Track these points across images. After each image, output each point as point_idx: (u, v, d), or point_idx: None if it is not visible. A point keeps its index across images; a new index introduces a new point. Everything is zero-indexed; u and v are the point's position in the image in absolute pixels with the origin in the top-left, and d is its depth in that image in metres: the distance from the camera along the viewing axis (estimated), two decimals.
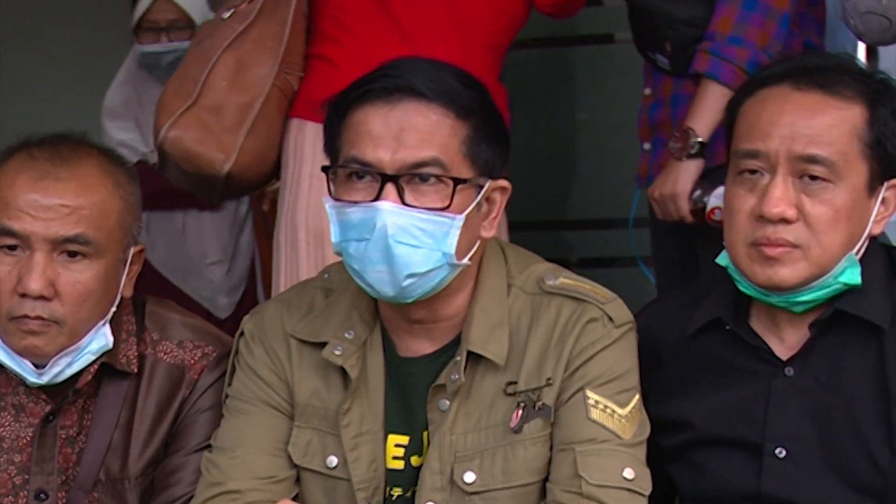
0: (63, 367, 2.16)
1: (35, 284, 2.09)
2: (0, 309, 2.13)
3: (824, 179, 2.01)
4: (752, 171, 2.06)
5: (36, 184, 2.12)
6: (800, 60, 2.11)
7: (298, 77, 2.83)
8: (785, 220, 2.02)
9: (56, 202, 2.12)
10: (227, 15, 2.79)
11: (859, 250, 2.06)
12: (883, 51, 3.19)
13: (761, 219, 2.03)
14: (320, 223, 2.71)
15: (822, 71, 2.05)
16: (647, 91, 3.01)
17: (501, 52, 2.88)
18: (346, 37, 2.79)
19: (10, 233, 2.11)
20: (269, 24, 2.81)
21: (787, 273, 2.03)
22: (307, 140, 2.79)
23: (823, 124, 2.02)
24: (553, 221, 3.72)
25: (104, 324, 2.19)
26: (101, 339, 2.18)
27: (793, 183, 2.03)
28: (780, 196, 2.02)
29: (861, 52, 3.16)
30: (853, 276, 2.05)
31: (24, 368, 2.15)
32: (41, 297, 2.10)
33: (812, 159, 2.01)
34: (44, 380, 2.16)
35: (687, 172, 2.64)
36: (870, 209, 2.05)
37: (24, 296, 2.10)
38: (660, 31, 2.87)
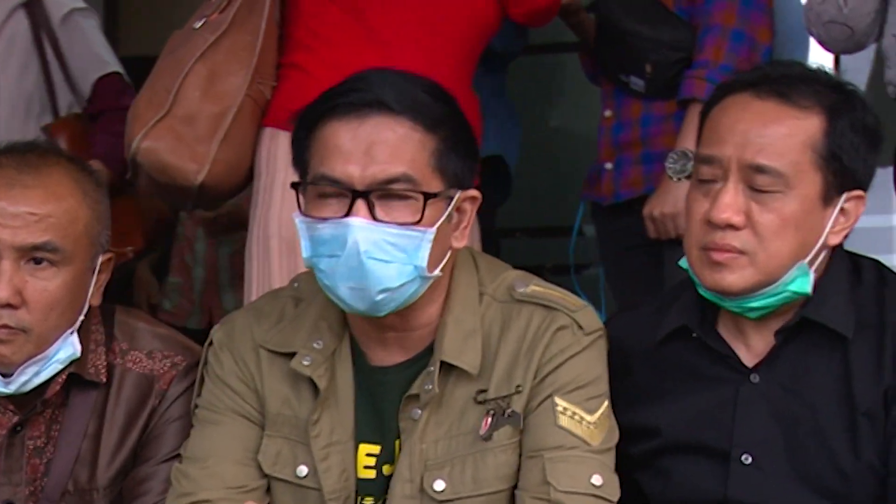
0: (30, 377, 2.15)
1: (2, 293, 2.09)
2: None
3: (773, 189, 2.02)
4: (707, 179, 2.07)
5: (3, 192, 2.12)
6: (766, 69, 2.12)
7: (271, 86, 2.83)
8: (732, 227, 2.03)
9: (23, 210, 2.11)
10: (198, 24, 2.79)
11: (813, 260, 2.07)
12: (846, 59, 3.23)
13: (711, 223, 2.04)
14: (293, 233, 2.66)
15: (784, 80, 2.06)
16: (608, 113, 3.13)
17: (473, 59, 2.89)
18: (320, 44, 2.80)
19: None
20: (242, 33, 2.81)
21: (733, 279, 2.04)
22: (280, 149, 2.79)
23: (777, 134, 2.02)
24: (529, 228, 3.76)
25: (72, 332, 2.18)
26: (68, 347, 2.17)
27: (743, 190, 2.03)
28: (729, 202, 2.03)
29: (829, 62, 3.21)
30: (803, 284, 2.06)
31: None
32: (8, 306, 2.10)
33: (760, 169, 2.02)
34: (11, 389, 2.15)
35: (685, 192, 2.68)
36: (824, 219, 2.05)
37: None
38: (640, 53, 2.94)
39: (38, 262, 2.13)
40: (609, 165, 3.10)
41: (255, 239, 2.81)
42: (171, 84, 2.79)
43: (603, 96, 3.14)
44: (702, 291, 2.11)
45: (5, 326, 2.11)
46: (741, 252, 2.03)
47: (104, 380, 2.21)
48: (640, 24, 2.98)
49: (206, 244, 4.18)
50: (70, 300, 2.16)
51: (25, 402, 2.18)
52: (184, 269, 4.21)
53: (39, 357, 2.15)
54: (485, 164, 3.41)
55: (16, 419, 2.18)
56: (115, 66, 3.36)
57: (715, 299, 2.10)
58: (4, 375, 2.15)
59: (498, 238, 3.69)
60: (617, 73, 3.05)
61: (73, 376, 2.19)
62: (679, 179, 2.73)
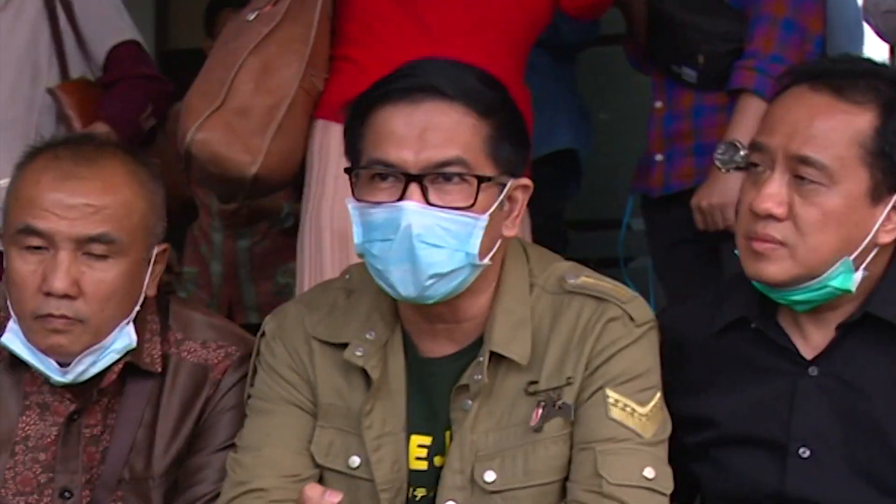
0: (87, 366, 2.18)
1: (60, 283, 2.11)
2: (24, 307, 2.15)
3: (816, 182, 2.00)
4: (756, 165, 2.06)
5: (60, 183, 2.14)
6: (830, 63, 2.10)
7: (324, 79, 2.84)
8: (774, 217, 2.02)
9: (80, 201, 2.14)
10: (251, 17, 2.80)
11: (861, 256, 2.04)
12: None
13: (754, 213, 2.03)
14: (345, 224, 2.69)
15: (841, 74, 2.03)
16: (659, 104, 3.11)
17: (525, 52, 2.89)
18: (372, 39, 2.80)
19: (36, 232, 2.13)
20: (295, 26, 2.82)
21: (772, 269, 2.03)
22: (332, 141, 2.80)
23: (825, 127, 2.00)
24: (575, 222, 3.76)
25: (128, 323, 2.20)
26: (125, 338, 2.20)
27: (788, 181, 2.02)
28: (771, 192, 2.02)
29: (885, 52, 3.17)
30: (846, 281, 2.04)
31: (48, 367, 2.17)
32: (66, 296, 2.12)
33: (804, 160, 2.00)
34: (68, 378, 2.18)
35: (735, 183, 2.67)
36: (873, 217, 2.03)
37: (48, 294, 2.12)
38: (693, 44, 2.93)
39: (95, 253, 2.15)
40: (660, 157, 3.08)
41: (308, 230, 2.82)
42: (224, 76, 2.80)
43: (653, 87, 3.13)
44: (753, 282, 2.10)
45: (63, 317, 2.13)
46: (781, 243, 2.02)
47: (159, 369, 2.23)
48: (695, 14, 2.96)
49: (223, 236, 4.07)
50: (126, 291, 2.18)
51: (82, 391, 2.21)
52: (199, 260, 4.12)
53: (96, 347, 2.17)
54: (558, 157, 3.43)
55: (73, 407, 2.21)
56: (131, 33, 3.26)
57: (762, 290, 2.09)
58: (62, 365, 2.18)
59: (565, 230, 3.67)
60: (669, 63, 3.03)
61: (130, 366, 2.22)
62: (728, 170, 2.71)
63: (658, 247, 3.21)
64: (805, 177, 2.01)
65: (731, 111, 2.89)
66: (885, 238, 2.05)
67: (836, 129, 2.01)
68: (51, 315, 2.13)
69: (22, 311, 2.15)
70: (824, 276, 2.04)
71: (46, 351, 2.16)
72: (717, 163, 2.75)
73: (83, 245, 2.14)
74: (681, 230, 3.01)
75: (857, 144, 2.00)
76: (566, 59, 3.55)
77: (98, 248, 2.14)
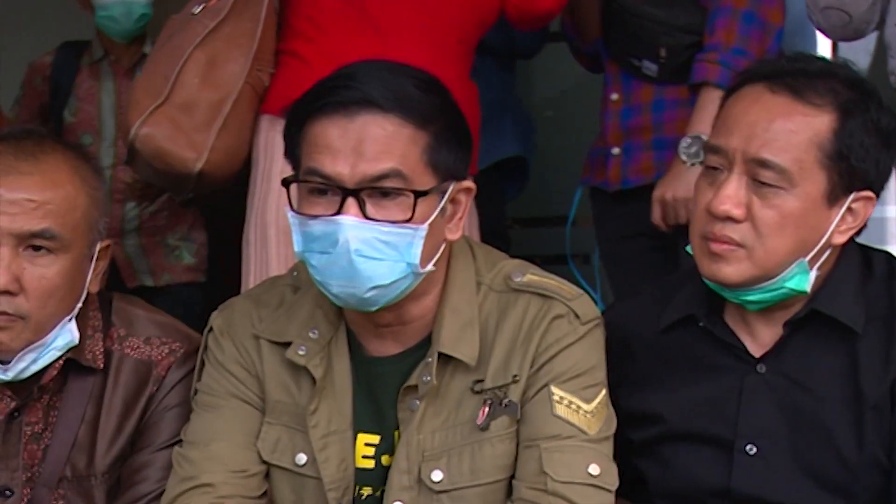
0: (28, 363, 2.15)
1: (0, 280, 2.09)
2: None
3: (775, 185, 2.01)
4: (714, 167, 2.06)
5: (1, 178, 2.11)
6: (784, 62, 2.09)
7: (270, 73, 2.82)
8: (732, 219, 2.02)
9: (21, 196, 2.11)
10: (197, 10, 2.78)
11: (816, 257, 2.06)
12: (843, 47, 3.21)
13: (713, 214, 2.04)
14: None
15: (800, 74, 2.04)
16: (615, 97, 3.07)
17: (472, 48, 2.88)
18: (318, 34, 2.79)
19: None
20: (241, 20, 2.80)
21: (729, 271, 2.04)
22: (278, 137, 2.75)
23: (783, 129, 2.01)
24: (520, 219, 3.76)
25: (70, 319, 2.18)
26: (66, 334, 2.17)
27: (746, 183, 2.03)
28: (730, 194, 2.02)
29: (827, 49, 3.18)
30: (802, 282, 2.05)
31: None
32: (6, 292, 2.10)
33: (763, 163, 2.01)
34: (9, 376, 2.15)
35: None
36: (829, 219, 2.04)
37: None
38: (653, 37, 2.91)
39: (36, 249, 2.12)
40: (616, 150, 3.05)
41: (253, 226, 2.81)
42: (169, 71, 2.77)
43: (607, 79, 3.09)
44: (705, 280, 2.11)
45: (3, 313, 2.10)
46: (739, 245, 2.03)
47: (101, 366, 2.21)
48: (654, 6, 2.93)
49: (111, 200, 3.87)
50: (68, 287, 2.16)
51: (23, 388, 2.18)
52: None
53: (38, 344, 2.15)
54: (502, 162, 3.44)
55: (13, 405, 2.18)
56: None
57: (716, 289, 2.10)
58: (2, 362, 2.15)
59: (507, 229, 3.68)
60: (627, 57, 3.00)
61: (71, 362, 2.19)
62: (693, 164, 2.70)
63: (607, 240, 3.19)
64: (764, 179, 2.01)
65: (692, 105, 2.85)
66: (839, 239, 2.07)
67: (794, 131, 2.01)
68: None
69: None
70: (779, 277, 2.05)
71: None
72: (683, 156, 2.75)
73: (24, 240, 2.11)
74: (635, 224, 2.99)
75: (816, 147, 2.01)
76: (509, 65, 3.55)
77: (39, 244, 2.12)
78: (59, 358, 2.18)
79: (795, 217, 2.01)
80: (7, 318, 2.11)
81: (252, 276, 2.78)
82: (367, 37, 2.75)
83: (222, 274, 3.44)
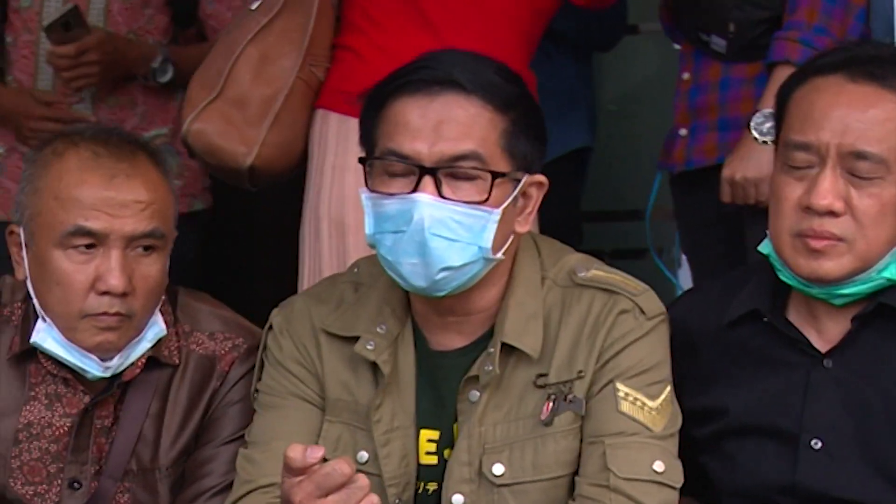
0: (124, 359, 2.19)
1: (118, 282, 2.12)
2: (70, 307, 2.14)
3: (873, 175, 2.00)
4: (802, 164, 2.05)
5: (108, 182, 2.15)
6: (854, 50, 2.08)
7: (325, 68, 2.82)
8: (832, 213, 2.01)
9: (130, 198, 2.15)
10: (255, 6, 2.79)
11: None
12: None
13: (808, 210, 2.02)
14: (341, 214, 2.71)
15: (876, 62, 2.03)
16: (686, 76, 2.97)
17: (531, 39, 2.85)
18: (373, 28, 2.78)
19: (88, 233, 2.13)
20: (294, 15, 2.80)
21: (831, 266, 2.03)
22: (330, 131, 2.79)
23: (876, 119, 2.00)
24: (587, 213, 3.72)
25: (156, 312, 2.22)
26: (156, 326, 2.21)
27: (841, 175, 2.02)
28: (829, 188, 2.01)
29: None
30: None
31: (88, 364, 2.17)
32: (122, 294, 2.13)
33: (861, 155, 2.00)
34: (108, 373, 2.18)
35: (769, 156, 2.58)
36: None
37: (104, 293, 2.12)
38: (723, 11, 2.83)
39: (145, 249, 2.16)
40: (684, 131, 2.96)
41: (308, 220, 2.81)
42: (223, 66, 2.78)
43: (681, 58, 3.00)
44: (784, 277, 2.09)
45: (117, 314, 2.14)
46: (840, 239, 2.02)
47: (177, 362, 2.23)
48: None
49: None
50: (163, 283, 2.21)
51: (96, 382, 2.20)
52: None
53: (136, 340, 2.18)
54: (573, 153, 3.42)
55: (87, 399, 2.20)
56: None
57: (799, 286, 2.08)
58: (101, 359, 2.17)
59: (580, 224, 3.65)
60: (697, 32, 2.91)
61: (150, 360, 2.22)
62: (765, 142, 2.63)
63: (687, 227, 3.09)
64: (861, 172, 2.00)
65: (762, 84, 2.74)
66: None
67: (887, 119, 2.01)
68: (105, 314, 2.13)
69: (66, 311, 2.14)
70: (874, 267, 2.04)
71: (93, 349, 2.15)
72: (755, 133, 2.64)
73: (133, 242, 2.15)
74: (704, 212, 2.92)
75: None
76: (586, 56, 3.53)
77: (148, 244, 2.16)
78: (142, 357, 2.20)
79: (894, 205, 2.01)
80: (119, 318, 2.15)
81: (307, 272, 2.78)
82: (422, 31, 2.74)
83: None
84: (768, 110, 2.62)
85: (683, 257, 3.23)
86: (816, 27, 2.69)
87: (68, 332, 2.15)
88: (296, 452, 1.81)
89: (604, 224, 4.01)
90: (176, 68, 3.06)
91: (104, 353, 2.15)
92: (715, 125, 2.91)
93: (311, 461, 1.80)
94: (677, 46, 3.07)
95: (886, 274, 2.04)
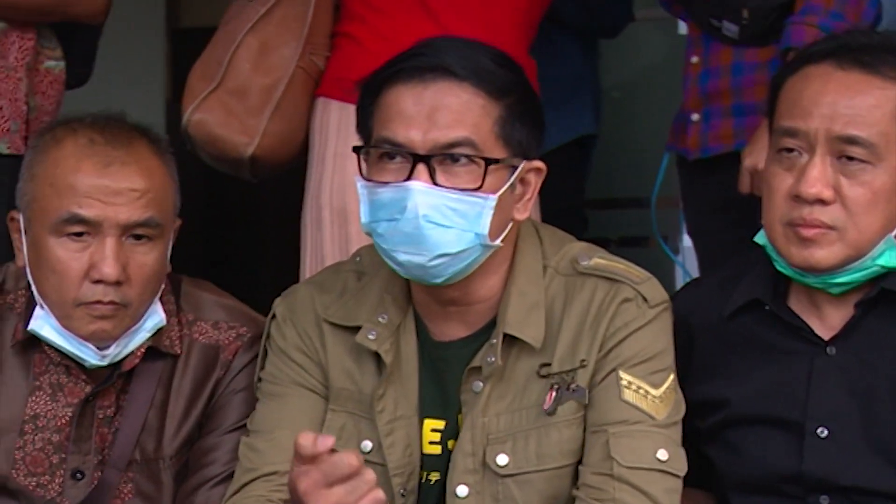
0: (122, 348, 2.18)
1: (112, 270, 2.11)
2: (65, 295, 2.13)
3: (863, 161, 2.00)
4: (791, 150, 2.05)
5: (103, 169, 2.13)
6: (844, 39, 2.09)
7: (325, 57, 2.82)
8: (821, 201, 2.01)
9: (125, 186, 2.13)
10: None
11: None
12: None
13: (798, 199, 2.02)
14: (343, 201, 2.71)
15: (865, 50, 2.03)
16: (695, 59, 2.93)
17: (531, 25, 2.85)
18: (373, 15, 2.78)
19: (82, 220, 2.12)
20: (293, 4, 2.81)
21: (822, 254, 2.03)
22: (332, 119, 2.79)
23: (865, 104, 2.01)
24: (592, 201, 3.71)
25: (155, 301, 2.21)
26: (155, 316, 2.20)
27: (831, 163, 2.01)
28: (818, 176, 2.01)
29: None
30: (892, 258, 2.04)
31: (85, 352, 2.16)
32: (116, 283, 2.12)
33: (851, 140, 2.00)
34: (105, 362, 2.17)
35: None
36: None
37: (97, 282, 2.12)
38: None
39: (138, 238, 2.15)
40: (696, 116, 2.93)
41: (309, 209, 2.81)
42: (222, 56, 2.79)
43: (688, 41, 2.98)
44: (780, 267, 2.09)
45: (111, 303, 2.13)
46: (831, 227, 2.02)
47: (179, 352, 2.23)
48: None
49: None
50: (162, 272, 2.20)
51: (99, 372, 2.20)
52: None
53: (133, 329, 2.17)
54: (579, 140, 3.41)
55: (88, 389, 2.19)
56: None
57: (795, 275, 2.08)
58: (98, 348, 2.17)
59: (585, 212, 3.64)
60: (708, 17, 2.87)
61: (150, 349, 2.21)
62: None
63: (695, 213, 3.05)
64: (852, 156, 2.00)
65: (773, 68, 2.64)
66: None
67: (875, 105, 2.01)
68: (99, 302, 2.12)
69: (61, 299, 2.14)
70: (868, 255, 2.04)
71: (88, 337, 2.15)
72: None
73: (128, 230, 2.14)
74: (713, 197, 2.89)
75: None
76: (592, 43, 3.52)
77: (142, 232, 2.15)
78: (141, 346, 2.20)
79: (885, 192, 2.01)
80: (114, 307, 2.13)
81: (308, 259, 2.78)
82: (421, 17, 2.74)
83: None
84: None
85: (687, 246, 3.22)
86: (833, 12, 2.64)
87: (64, 320, 2.15)
88: (306, 440, 1.81)
89: (609, 212, 4.00)
90: None
91: (99, 341, 2.15)
92: (730, 111, 2.88)
93: (320, 449, 1.80)
94: (682, 32, 3.05)
95: (881, 261, 2.04)
